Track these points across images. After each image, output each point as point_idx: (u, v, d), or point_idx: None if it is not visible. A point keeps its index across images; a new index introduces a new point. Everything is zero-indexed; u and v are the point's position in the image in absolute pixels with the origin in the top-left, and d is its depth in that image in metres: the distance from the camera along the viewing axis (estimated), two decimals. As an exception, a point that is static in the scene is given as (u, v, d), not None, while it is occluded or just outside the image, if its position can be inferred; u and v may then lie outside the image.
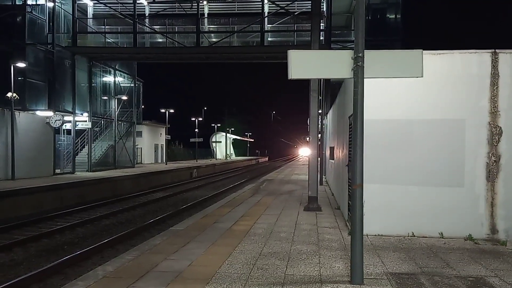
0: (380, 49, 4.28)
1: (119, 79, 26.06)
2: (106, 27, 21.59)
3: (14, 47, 18.02)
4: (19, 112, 17.03)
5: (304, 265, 4.73)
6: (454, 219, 6.05)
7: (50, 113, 18.82)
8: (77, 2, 20.88)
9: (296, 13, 19.59)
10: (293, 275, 4.36)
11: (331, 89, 17.04)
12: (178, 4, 20.84)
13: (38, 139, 17.94)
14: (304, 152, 62.53)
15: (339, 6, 17.90)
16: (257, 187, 15.12)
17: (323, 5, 18.22)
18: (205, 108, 48.84)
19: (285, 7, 19.47)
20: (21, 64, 16.59)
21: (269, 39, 20.18)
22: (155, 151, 37.55)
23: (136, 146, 28.71)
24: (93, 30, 21.63)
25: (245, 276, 4.30)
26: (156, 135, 37.75)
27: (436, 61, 6.10)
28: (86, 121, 21.75)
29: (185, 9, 20.67)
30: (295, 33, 19.65)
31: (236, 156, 71.23)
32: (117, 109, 24.70)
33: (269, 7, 20.07)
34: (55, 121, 18.53)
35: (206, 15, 20.87)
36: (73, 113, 20.63)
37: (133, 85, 27.33)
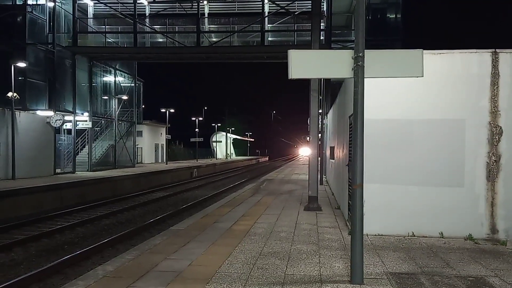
0: (381, 49, 4.28)
1: (119, 78, 26.07)
2: (107, 27, 21.60)
3: (14, 47, 18.03)
4: (20, 112, 17.04)
5: (304, 264, 4.73)
6: (454, 219, 6.04)
7: (50, 113, 18.83)
8: (78, 2, 20.89)
9: (297, 13, 19.58)
10: (293, 274, 4.36)
11: (331, 88, 17.04)
12: (179, 4, 20.84)
13: (38, 139, 17.95)
14: (304, 151, 62.55)
15: (339, 6, 17.90)
16: (257, 186, 15.12)
17: (323, 5, 18.21)
18: (206, 108, 48.96)
19: (286, 7, 19.46)
20: (21, 64, 16.60)
21: (270, 39, 20.18)
22: (155, 151, 37.56)
23: (136, 146, 28.72)
24: (94, 30, 21.64)
25: (245, 275, 4.30)
26: (156, 134, 37.76)
27: (436, 61, 6.10)
28: (86, 120, 21.76)
29: (185, 9, 20.67)
30: (296, 33, 19.65)
31: (236, 155, 71.24)
32: (118, 108, 24.71)
33: (269, 7, 20.07)
34: (56, 120, 18.54)
35: (206, 15, 20.86)
36: (73, 112, 20.64)
37: (133, 84, 27.34)
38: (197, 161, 41.72)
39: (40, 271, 6.71)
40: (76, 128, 21.06)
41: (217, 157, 55.68)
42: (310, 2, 10.91)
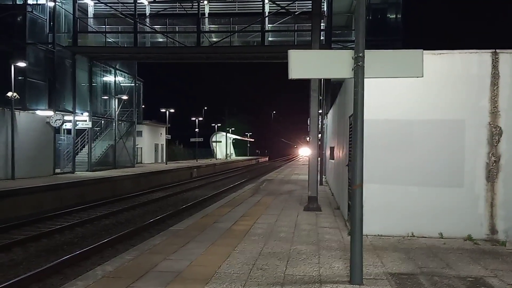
0: (381, 49, 4.28)
1: (119, 78, 26.07)
2: (107, 26, 21.60)
3: (14, 46, 18.03)
4: (19, 112, 17.04)
5: (303, 265, 4.72)
6: (453, 219, 6.04)
7: (50, 113, 18.83)
8: (78, 1, 20.90)
9: (297, 13, 19.58)
10: (293, 275, 4.35)
11: (331, 89, 17.04)
12: (179, 4, 20.84)
13: (38, 139, 17.95)
14: (304, 152, 62.54)
15: (339, 6, 17.90)
16: (257, 187, 15.12)
17: (323, 5, 18.21)
18: (206, 108, 48.94)
19: (286, 7, 19.47)
20: (21, 64, 16.60)
21: (270, 39, 20.18)
22: (155, 151, 37.56)
23: (136, 146, 28.72)
24: (94, 30, 21.63)
25: (244, 276, 4.30)
26: (156, 135, 37.76)
27: (436, 61, 6.10)
28: (86, 120, 21.76)
29: (185, 9, 20.68)
30: (296, 33, 19.66)
31: (236, 156, 71.24)
32: (118, 108, 24.70)
33: (269, 7, 20.07)
34: (55, 120, 18.53)
35: (206, 15, 20.87)
36: (73, 112, 20.64)
37: (133, 84, 27.33)
38: (197, 161, 41.72)
39: (39, 271, 6.71)
40: (76, 128, 21.05)
41: (217, 157, 55.68)
42: (311, 2, 10.92)
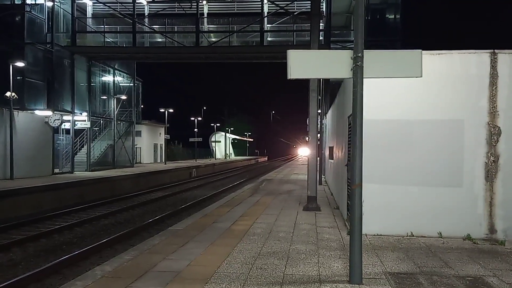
0: (380, 49, 4.28)
1: (118, 78, 26.04)
2: (106, 26, 21.57)
3: (13, 46, 17.99)
4: (18, 112, 17.01)
5: (303, 264, 4.72)
6: (453, 219, 6.05)
7: (49, 113, 18.79)
8: (76, 1, 20.86)
9: (296, 13, 19.59)
10: (292, 275, 4.36)
11: (330, 89, 17.05)
12: (178, 4, 20.82)
13: (37, 139, 17.92)
14: (304, 152, 62.56)
15: (338, 6, 17.91)
16: (256, 186, 15.12)
17: (322, 5, 18.21)
18: (205, 108, 48.90)
19: (285, 7, 19.48)
20: (20, 64, 16.57)
21: (269, 39, 20.18)
22: (154, 151, 37.53)
23: (135, 146, 28.69)
24: (93, 30, 21.60)
25: (244, 276, 4.30)
26: (155, 134, 37.73)
27: (435, 61, 6.11)
28: (85, 120, 21.72)
29: (184, 9, 20.66)
30: (295, 33, 19.66)
31: (235, 156, 71.23)
32: (116, 108, 24.67)
33: (268, 7, 20.07)
34: (54, 120, 18.50)
35: (205, 15, 20.86)
36: (72, 112, 20.60)
37: (132, 84, 27.30)
38: (196, 161, 41.70)
39: (38, 271, 6.69)
40: (75, 128, 21.01)
41: (216, 157, 55.66)
42: (309, 2, 10.91)
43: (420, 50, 4.15)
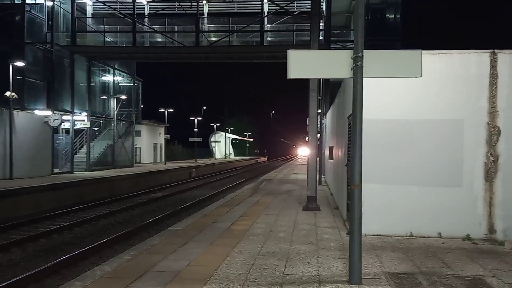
0: (380, 49, 4.28)
1: (118, 78, 26.03)
2: (106, 26, 21.56)
3: (13, 46, 17.98)
4: (18, 111, 17.00)
5: (302, 265, 4.72)
6: (452, 219, 6.05)
7: (48, 112, 18.79)
8: (76, 1, 20.85)
9: (296, 12, 19.59)
10: (292, 275, 4.35)
11: (330, 88, 17.04)
12: (178, 4, 20.81)
13: (36, 139, 17.91)
14: (303, 152, 62.57)
15: (338, 6, 17.91)
16: (256, 186, 15.11)
17: (322, 5, 18.21)
18: (205, 108, 48.90)
19: (285, 7, 19.47)
20: (20, 63, 16.56)
21: (269, 38, 20.18)
22: (154, 151, 37.52)
23: (135, 146, 28.67)
24: (92, 29, 21.59)
25: (243, 276, 4.30)
26: (155, 134, 37.73)
27: (435, 61, 6.10)
28: (84, 120, 21.71)
29: (184, 9, 20.65)
30: (295, 32, 19.66)
31: (235, 156, 71.25)
32: (116, 108, 24.66)
33: (268, 6, 20.07)
34: (54, 120, 18.50)
35: (205, 15, 20.85)
36: (71, 112, 20.59)
37: (132, 84, 27.30)
38: (195, 161, 41.70)
39: (37, 271, 6.69)
40: (75, 127, 21.00)
41: (216, 157, 55.67)
42: (309, 2, 10.91)
43: (420, 50, 4.15)
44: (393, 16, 18.36)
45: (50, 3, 19.70)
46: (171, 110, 34.80)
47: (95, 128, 23.50)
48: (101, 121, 24.06)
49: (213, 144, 56.98)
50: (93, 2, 21.65)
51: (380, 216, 6.17)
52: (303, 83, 9.91)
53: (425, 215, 6.11)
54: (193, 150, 45.94)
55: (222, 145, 58.54)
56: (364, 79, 4.06)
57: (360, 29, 4.07)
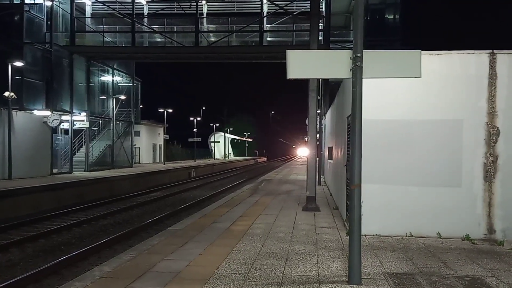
0: (379, 49, 4.28)
1: (117, 78, 26.00)
2: (105, 26, 21.53)
3: (11, 46, 17.96)
4: (17, 112, 16.97)
5: (302, 265, 4.72)
6: (452, 219, 6.06)
7: (47, 113, 18.76)
8: (75, 1, 20.82)
9: (295, 13, 19.59)
10: (291, 275, 4.35)
11: (329, 89, 17.06)
12: (177, 4, 20.81)
13: (35, 139, 17.88)
14: (303, 152, 62.58)
15: (338, 6, 17.92)
16: (256, 187, 15.11)
17: (322, 5, 18.22)
18: (204, 108, 48.87)
19: (284, 7, 19.48)
20: (18, 63, 16.53)
21: (268, 39, 20.18)
22: (153, 151, 37.50)
23: (134, 146, 28.65)
24: (92, 29, 21.56)
25: (243, 276, 4.29)
26: (154, 135, 37.70)
27: (434, 62, 6.11)
28: (83, 120, 21.68)
29: (184, 9, 20.64)
30: (294, 33, 19.67)
31: (234, 156, 71.22)
32: (115, 108, 24.64)
33: (268, 7, 20.07)
34: (53, 120, 18.47)
35: (205, 15, 20.85)
36: (70, 112, 20.57)
37: (131, 84, 27.27)
38: (195, 161, 41.68)
39: (37, 272, 6.67)
40: (74, 128, 20.97)
41: (215, 157, 55.65)
42: (309, 2, 10.91)
43: (419, 50, 4.16)
44: (392, 16, 18.38)
45: (49, 3, 19.67)
46: (170, 110, 34.78)
47: (94, 128, 23.48)
48: (100, 121, 24.04)
49: (212, 144, 56.96)
50: (92, 2, 21.63)
51: (379, 216, 6.18)
52: (303, 83, 9.92)
53: (424, 215, 6.11)
54: (193, 150, 45.92)
55: (221, 145, 58.55)
56: (363, 79, 4.07)
57: (360, 29, 4.07)
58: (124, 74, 26.76)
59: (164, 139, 36.00)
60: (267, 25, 19.97)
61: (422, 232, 6.12)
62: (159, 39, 20.90)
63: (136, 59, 24.81)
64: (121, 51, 21.21)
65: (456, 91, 6.10)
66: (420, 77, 4.19)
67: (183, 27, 21.03)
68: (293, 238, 6.11)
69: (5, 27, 18.39)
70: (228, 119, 59.71)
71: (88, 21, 21.77)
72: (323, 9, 18.40)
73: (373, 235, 6.17)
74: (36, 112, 18.66)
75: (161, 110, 34.53)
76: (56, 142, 20.39)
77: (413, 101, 6.18)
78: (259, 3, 20.01)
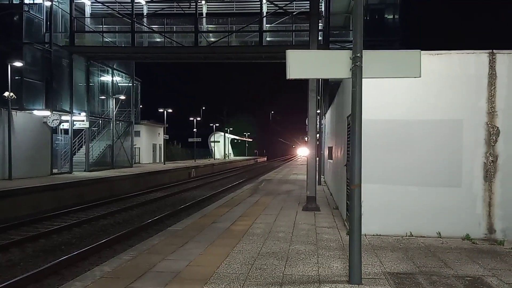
0: (379, 49, 4.28)
1: (117, 78, 26.00)
2: (104, 26, 21.53)
3: (11, 46, 17.95)
4: (16, 112, 16.97)
5: (302, 265, 4.72)
6: (452, 219, 6.06)
7: (47, 113, 18.76)
8: (75, 1, 20.81)
9: (295, 13, 19.60)
10: (292, 275, 4.35)
11: (329, 89, 17.06)
12: (177, 4, 20.81)
13: (35, 139, 17.88)
14: (303, 152, 62.59)
15: (337, 6, 17.92)
16: (256, 187, 15.12)
17: (321, 5, 18.22)
18: (204, 108, 48.88)
19: (284, 7, 19.48)
20: (18, 64, 16.53)
21: (268, 39, 20.18)
22: (153, 151, 37.50)
23: (134, 146, 28.65)
24: (91, 30, 21.56)
25: (243, 276, 4.30)
26: (154, 135, 37.70)
27: (434, 62, 6.12)
28: (83, 120, 21.68)
29: (183, 9, 20.65)
30: (294, 33, 19.67)
31: (234, 156, 71.22)
32: (115, 108, 24.64)
33: (267, 7, 20.08)
34: (53, 120, 18.47)
35: (204, 15, 20.85)
36: (70, 112, 20.56)
37: (131, 84, 27.27)
38: (195, 161, 41.68)
39: (37, 272, 6.68)
40: (73, 128, 20.97)
41: (215, 157, 55.65)
42: (308, 2, 10.92)
43: (419, 50, 4.16)
44: (392, 16, 18.38)
45: (48, 3, 19.67)
46: (170, 110, 34.79)
47: (94, 128, 23.48)
48: (100, 121, 24.03)
49: (212, 144, 56.96)
50: (92, 2, 21.62)
51: (379, 216, 6.18)
52: (302, 83, 9.93)
53: (424, 215, 6.12)
54: (192, 150, 45.92)
55: (221, 145, 58.55)
56: (363, 79, 4.07)
57: (359, 29, 4.07)
58: (123, 74, 26.76)
59: (164, 139, 36.02)
60: (266, 25, 19.97)
61: (422, 232, 6.12)
62: (158, 39, 20.90)
63: (136, 59, 24.82)
64: (121, 51, 21.21)
65: (456, 91, 6.10)
66: (420, 77, 4.19)
67: (182, 27, 21.03)
68: (293, 238, 6.12)
69: (4, 27, 18.38)
70: (228, 119, 59.77)
71: (88, 21, 21.77)
72: (323, 9, 18.41)
73: (373, 235, 6.17)
74: (36, 112, 18.66)
75: (161, 110, 34.55)
76: (56, 142, 20.39)
77: (412, 101, 6.18)
78: (259, 3, 20.01)
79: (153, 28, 20.77)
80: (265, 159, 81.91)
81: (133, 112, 27.32)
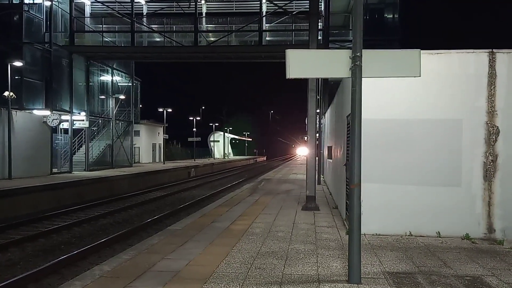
0: (379, 49, 4.28)
1: (116, 78, 25.99)
2: (104, 26, 21.53)
3: (11, 46, 17.94)
4: (16, 111, 16.96)
5: (302, 264, 4.73)
6: (451, 218, 6.06)
7: (47, 112, 18.75)
8: (75, 1, 20.81)
9: (294, 12, 19.60)
10: (291, 274, 4.35)
11: (329, 88, 17.07)
12: (176, 3, 20.80)
13: (35, 138, 17.87)
14: (302, 151, 62.57)
15: (337, 6, 17.93)
16: (255, 186, 15.12)
17: (321, 5, 18.22)
18: (203, 107, 48.88)
19: (283, 7, 19.47)
20: (18, 63, 16.52)
21: (267, 38, 20.18)
22: (153, 151, 37.50)
23: (133, 146, 28.65)
24: (91, 29, 21.55)
25: (242, 275, 4.30)
26: (154, 134, 37.69)
27: (433, 61, 6.12)
28: (83, 120, 21.68)
29: (183, 8, 20.64)
30: (293, 32, 19.68)
31: (234, 155, 71.22)
32: (115, 108, 24.64)
33: (267, 6, 20.07)
34: (52, 120, 18.47)
35: (204, 15, 20.84)
36: (70, 112, 20.56)
37: (130, 84, 27.27)
38: (194, 160, 41.68)
39: (36, 271, 6.67)
40: (73, 127, 20.97)
41: (215, 156, 55.64)
42: (308, 1, 10.92)
43: (419, 49, 4.16)
44: (391, 15, 18.38)
45: (48, 3, 19.65)
46: (169, 110, 34.79)
47: (94, 128, 23.48)
48: (100, 121, 24.03)
49: (212, 144, 56.95)
50: (92, 2, 21.61)
51: (379, 215, 6.18)
52: (302, 83, 9.93)
53: (424, 214, 6.12)
54: (192, 150, 45.93)
55: (221, 145, 58.53)
56: (363, 78, 4.07)
57: (359, 28, 4.07)
58: (123, 74, 26.75)
59: (163, 138, 36.01)
60: (266, 25, 19.97)
61: (422, 231, 6.13)
62: (158, 39, 20.89)
63: (136, 59, 24.80)
64: (121, 51, 21.20)
65: (456, 91, 6.10)
66: (420, 76, 4.19)
67: (182, 27, 21.02)
68: (292, 238, 6.12)
69: (4, 27, 18.37)
70: (228, 119, 59.75)
71: (88, 21, 21.76)
72: (322, 9, 18.40)
73: (373, 234, 6.18)
74: (35, 112, 18.65)
75: (161, 109, 34.55)
76: (56, 141, 20.38)
77: (412, 100, 6.18)
78: (258, 2, 20.01)
79: (153, 28, 20.76)
80: (265, 158, 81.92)
81: (132, 111, 27.30)
